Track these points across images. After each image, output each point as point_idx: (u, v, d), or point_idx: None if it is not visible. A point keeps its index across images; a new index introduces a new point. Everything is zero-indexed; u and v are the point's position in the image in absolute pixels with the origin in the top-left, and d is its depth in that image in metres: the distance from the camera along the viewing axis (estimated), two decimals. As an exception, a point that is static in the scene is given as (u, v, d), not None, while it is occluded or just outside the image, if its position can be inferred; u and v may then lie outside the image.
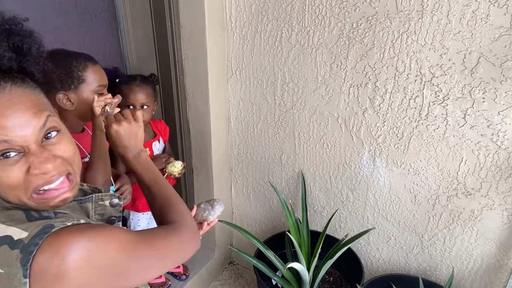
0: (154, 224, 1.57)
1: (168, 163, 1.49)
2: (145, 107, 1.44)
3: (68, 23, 1.31)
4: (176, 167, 1.45)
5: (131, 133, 0.87)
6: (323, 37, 1.41)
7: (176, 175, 1.49)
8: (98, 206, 0.72)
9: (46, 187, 0.59)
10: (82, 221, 0.58)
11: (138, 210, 1.59)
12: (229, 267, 2.18)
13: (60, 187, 0.60)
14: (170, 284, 1.79)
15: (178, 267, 1.85)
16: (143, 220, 1.63)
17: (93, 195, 0.71)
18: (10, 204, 0.60)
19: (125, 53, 1.54)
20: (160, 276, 1.78)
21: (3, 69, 0.57)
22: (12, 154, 0.55)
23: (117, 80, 1.45)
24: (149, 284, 1.75)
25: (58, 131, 0.61)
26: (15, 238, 0.53)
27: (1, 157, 0.55)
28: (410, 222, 1.53)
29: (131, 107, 1.42)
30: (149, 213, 1.62)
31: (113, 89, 1.45)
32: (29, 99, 0.58)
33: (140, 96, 1.42)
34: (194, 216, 0.96)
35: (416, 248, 1.57)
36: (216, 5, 1.53)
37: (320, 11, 1.38)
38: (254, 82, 1.65)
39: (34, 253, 0.51)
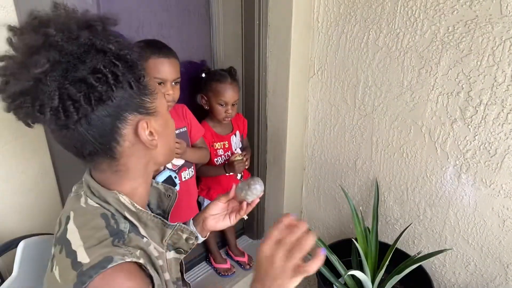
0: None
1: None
2: (235, 104, 1.52)
3: (170, 19, 1.44)
4: (236, 156, 1.56)
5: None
6: (414, 40, 1.34)
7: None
8: (175, 234, 0.76)
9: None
10: (141, 260, 0.63)
11: (211, 198, 1.69)
12: (293, 265, 2.19)
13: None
14: (234, 271, 1.86)
15: (244, 256, 1.92)
16: None
17: (177, 224, 0.76)
18: (107, 204, 0.67)
19: (214, 47, 1.63)
20: (226, 262, 1.86)
21: None
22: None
23: (204, 75, 1.53)
24: (216, 268, 1.85)
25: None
26: (78, 259, 0.59)
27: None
28: (495, 249, 1.38)
29: (223, 104, 1.49)
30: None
31: (198, 83, 1.55)
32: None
33: (234, 94, 1.50)
34: (234, 196, 0.91)
35: (498, 279, 1.41)
36: (304, 5, 1.54)
37: (413, 12, 1.31)
38: (335, 84, 1.63)
39: (87, 285, 0.57)
